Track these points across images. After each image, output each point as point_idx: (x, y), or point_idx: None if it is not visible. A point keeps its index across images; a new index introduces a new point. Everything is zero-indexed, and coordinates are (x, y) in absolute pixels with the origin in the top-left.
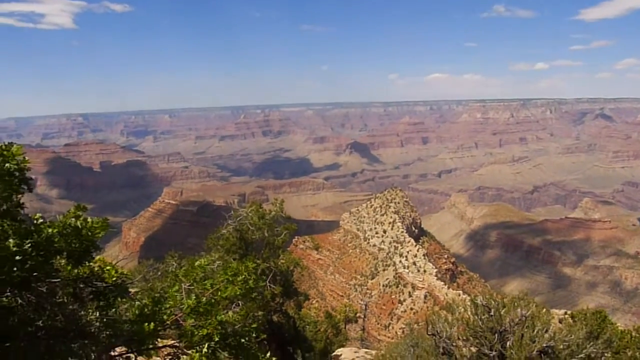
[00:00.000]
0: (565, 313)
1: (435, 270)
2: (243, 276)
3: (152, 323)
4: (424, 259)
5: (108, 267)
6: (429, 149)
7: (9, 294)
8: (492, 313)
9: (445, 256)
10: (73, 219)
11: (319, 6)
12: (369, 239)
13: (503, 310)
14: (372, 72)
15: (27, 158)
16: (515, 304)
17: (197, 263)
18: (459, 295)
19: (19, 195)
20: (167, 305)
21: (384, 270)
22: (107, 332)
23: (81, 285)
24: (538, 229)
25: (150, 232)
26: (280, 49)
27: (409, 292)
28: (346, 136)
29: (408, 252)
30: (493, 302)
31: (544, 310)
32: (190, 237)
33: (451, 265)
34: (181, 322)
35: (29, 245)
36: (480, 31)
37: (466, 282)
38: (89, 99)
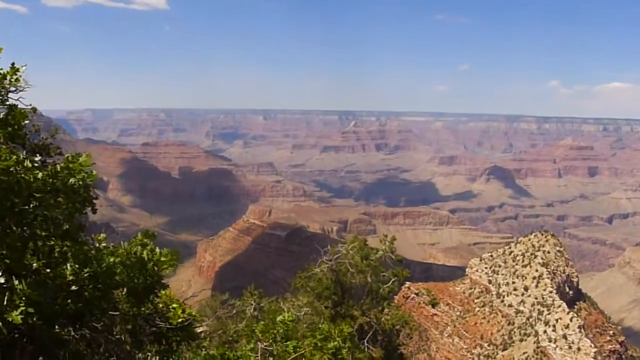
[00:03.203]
0: None
1: (595, 350)
2: (335, 343)
3: None
4: (580, 332)
5: (174, 305)
6: (597, 183)
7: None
8: None
9: (611, 332)
10: (139, 247)
11: None
12: (503, 297)
13: None
14: (525, 77)
15: (94, 172)
16: None
17: (279, 318)
18: None
19: (82, 215)
20: None
21: (521, 340)
22: None
23: (141, 323)
24: None
25: (229, 256)
26: (406, 44)
27: None
28: (484, 157)
29: (557, 320)
30: None
31: None
32: (275, 268)
33: (618, 345)
34: None
35: (87, 274)
36: None
37: None
38: (174, 93)
